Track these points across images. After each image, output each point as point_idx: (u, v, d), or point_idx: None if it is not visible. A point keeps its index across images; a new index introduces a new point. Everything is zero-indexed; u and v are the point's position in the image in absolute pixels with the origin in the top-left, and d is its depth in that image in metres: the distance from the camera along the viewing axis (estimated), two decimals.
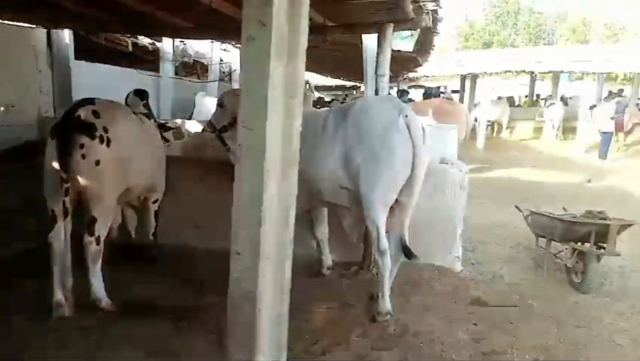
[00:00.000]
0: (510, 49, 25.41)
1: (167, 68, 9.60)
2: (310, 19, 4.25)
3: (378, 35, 4.34)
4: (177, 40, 11.61)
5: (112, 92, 6.57)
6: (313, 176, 3.82)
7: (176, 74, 11.25)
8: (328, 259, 4.57)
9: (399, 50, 6.67)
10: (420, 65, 12.62)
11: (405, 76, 16.82)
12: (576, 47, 22.62)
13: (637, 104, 16.25)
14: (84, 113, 3.36)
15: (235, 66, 13.70)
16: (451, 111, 7.55)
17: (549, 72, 18.28)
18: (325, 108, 4.27)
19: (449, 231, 4.63)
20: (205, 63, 12.68)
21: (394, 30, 4.34)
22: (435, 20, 6.29)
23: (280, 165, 2.41)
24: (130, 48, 8.47)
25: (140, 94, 4.58)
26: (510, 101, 19.80)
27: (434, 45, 9.23)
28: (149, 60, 9.69)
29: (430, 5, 4.01)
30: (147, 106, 4.60)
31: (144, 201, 4.59)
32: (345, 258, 4.78)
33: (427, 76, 20.10)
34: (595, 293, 4.41)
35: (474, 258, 5.19)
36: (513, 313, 3.91)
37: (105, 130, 3.40)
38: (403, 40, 6.26)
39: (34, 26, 5.76)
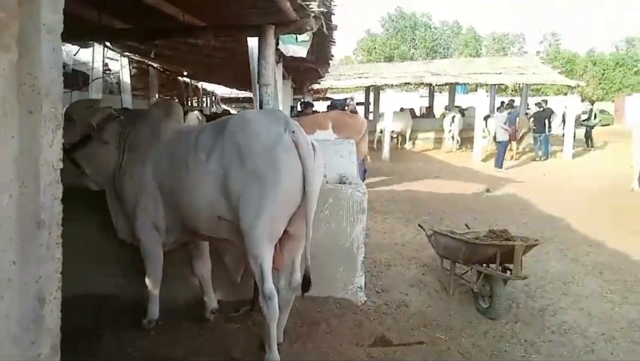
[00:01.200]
0: (410, 62, 26.23)
1: None
2: (171, 17, 3.60)
3: (259, 39, 3.75)
4: None
5: None
6: (185, 205, 3.19)
7: None
8: (212, 300, 3.87)
9: (292, 57, 6.15)
10: (322, 76, 12.39)
11: (309, 88, 16.54)
12: (468, 60, 23.89)
13: (526, 114, 17.34)
14: None
15: (125, 77, 12.52)
16: (351, 123, 7.17)
17: (445, 84, 18.95)
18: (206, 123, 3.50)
19: (349, 260, 4.13)
20: (87, 72, 11.35)
21: (277, 34, 3.77)
22: (329, 28, 5.91)
23: None
24: None
25: None
26: (412, 113, 20.29)
27: (332, 55, 8.94)
28: None
29: (314, 6, 3.49)
30: None
31: None
32: (233, 297, 4.10)
33: (332, 88, 20.08)
34: (504, 319, 4.11)
35: (379, 284, 4.74)
36: (419, 353, 3.48)
37: None
38: (299, 46, 5.73)
39: None
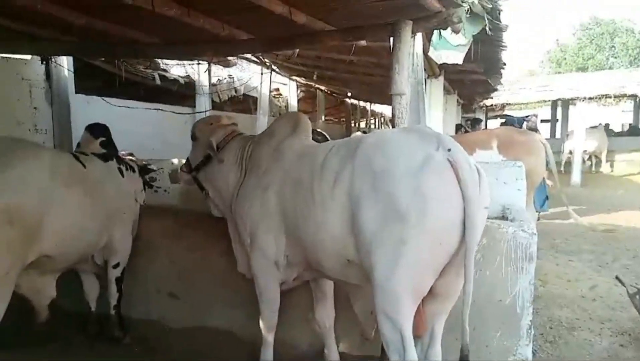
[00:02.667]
0: (607, 71, 22.52)
1: (203, 103, 8.90)
2: (292, 22, 3.13)
3: (392, 40, 3.06)
4: (223, 73, 11.05)
5: (121, 130, 5.91)
6: (309, 242, 2.59)
7: (220, 109, 10.59)
8: (333, 354, 3.26)
9: (448, 65, 5.31)
10: (494, 89, 11.07)
11: (481, 104, 15.12)
12: None
13: None
14: None
15: (293, 100, 12.97)
16: (523, 142, 5.89)
17: None
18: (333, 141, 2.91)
19: (509, 322, 3.11)
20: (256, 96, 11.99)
21: (415, 31, 3.05)
22: (496, 29, 4.94)
23: None
24: (158, 81, 7.85)
25: (95, 130, 3.67)
26: (607, 130, 17.18)
27: (503, 63, 7.75)
28: (186, 95, 9.06)
29: None
30: (106, 144, 3.67)
31: (103, 266, 3.61)
32: (359, 351, 3.43)
33: (509, 104, 18.16)
34: None
35: (555, 354, 3.57)
36: None
37: None
38: (454, 51, 4.86)
39: (27, 58, 5.20)
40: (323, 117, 15.63)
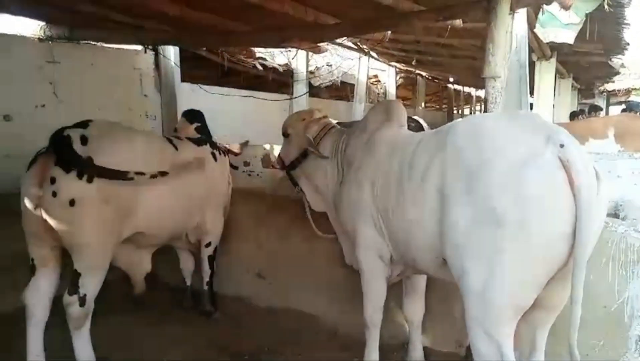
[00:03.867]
0: None
1: (300, 90, 9.04)
2: (377, 5, 3.00)
3: (488, 17, 2.82)
4: (322, 61, 11.14)
5: (222, 117, 6.21)
6: (402, 239, 2.46)
7: (317, 97, 10.69)
8: (417, 350, 3.12)
9: (552, 43, 4.83)
10: (616, 72, 9.95)
11: (602, 89, 13.67)
12: None
13: None
14: (66, 139, 2.67)
15: (391, 87, 12.75)
16: None
17: None
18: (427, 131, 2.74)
19: (615, 331, 2.77)
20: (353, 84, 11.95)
21: (515, 6, 2.78)
22: (618, 5, 4.41)
23: None
24: (260, 69, 8.10)
25: (190, 116, 3.87)
26: None
27: (627, 43, 6.90)
28: (285, 83, 9.27)
29: None
30: (201, 129, 3.87)
31: (196, 244, 3.84)
32: (442, 346, 3.29)
33: (636, 89, 16.22)
34: None
35: None
36: None
37: (88, 162, 2.65)
38: (565, 29, 4.39)
39: (139, 48, 5.63)
40: (423, 104, 15.17)
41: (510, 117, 2.15)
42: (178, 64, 6.10)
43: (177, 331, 3.57)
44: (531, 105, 6.66)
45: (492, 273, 1.88)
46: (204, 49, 6.67)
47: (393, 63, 11.80)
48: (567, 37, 4.32)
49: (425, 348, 3.19)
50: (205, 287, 3.88)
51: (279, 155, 3.59)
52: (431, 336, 3.33)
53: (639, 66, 16.20)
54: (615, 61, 8.05)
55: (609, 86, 13.52)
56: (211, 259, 3.86)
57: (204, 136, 3.83)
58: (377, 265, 2.79)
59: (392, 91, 12.70)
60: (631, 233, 2.74)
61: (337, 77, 11.57)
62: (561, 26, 4.25)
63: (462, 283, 2.00)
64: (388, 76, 12.83)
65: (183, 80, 6.30)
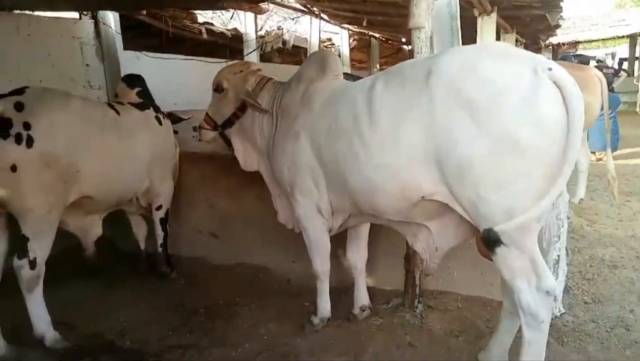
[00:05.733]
0: None
1: (251, 55, 8.98)
2: None
3: None
4: (272, 25, 11.03)
5: (168, 85, 6.16)
6: (362, 186, 2.46)
7: (269, 62, 10.62)
8: (363, 295, 3.27)
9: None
10: (556, 25, 10.27)
11: (547, 43, 14.08)
12: None
13: None
14: (1, 107, 2.68)
15: (345, 49, 12.75)
16: (580, 78, 5.45)
17: None
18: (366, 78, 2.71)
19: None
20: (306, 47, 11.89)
21: None
22: None
23: None
24: (205, 35, 7.99)
25: (130, 80, 3.87)
26: None
27: None
28: (239, 49, 9.17)
29: None
30: (142, 94, 3.87)
31: (147, 208, 3.91)
32: (387, 285, 3.53)
33: (580, 42, 16.82)
34: None
35: (592, 292, 3.48)
36: None
37: (27, 126, 2.68)
38: None
39: (77, 16, 5.48)
40: (378, 66, 15.23)
41: (493, 50, 2.18)
42: (119, 31, 5.96)
43: (133, 294, 3.67)
44: None
45: (521, 196, 2.01)
46: (144, 14, 6.53)
47: (345, 25, 11.78)
48: None
49: (370, 288, 3.40)
50: (160, 249, 3.97)
51: (207, 115, 3.39)
52: (375, 276, 3.56)
53: (585, 20, 16.77)
54: (552, 15, 8.31)
55: (554, 40, 13.97)
56: (163, 221, 3.94)
57: (146, 101, 3.85)
58: (317, 218, 2.86)
59: (346, 53, 12.71)
60: None
61: (289, 42, 11.52)
62: None
63: (481, 209, 2.09)
64: (341, 39, 12.83)
65: (126, 48, 6.16)
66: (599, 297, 3.39)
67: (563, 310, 3.15)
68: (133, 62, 6.16)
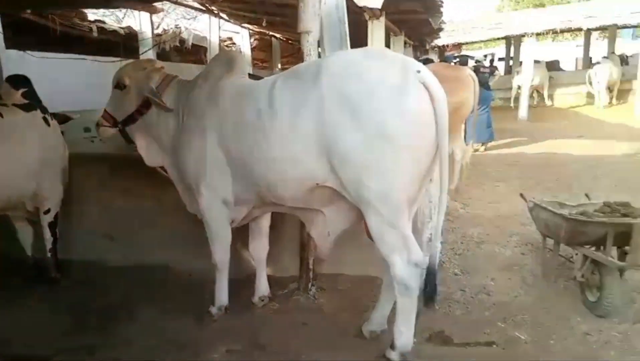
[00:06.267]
0: (556, 7, 22.68)
1: (147, 54, 8.78)
2: None
3: None
4: (170, 23, 10.81)
5: (56, 85, 5.88)
6: (265, 175, 2.70)
7: (167, 59, 10.42)
8: (263, 286, 3.46)
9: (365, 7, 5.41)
10: (439, 28, 11.19)
11: (433, 44, 15.20)
12: None
13: None
14: None
15: (246, 49, 12.78)
16: (455, 77, 6.14)
17: (599, 28, 15.90)
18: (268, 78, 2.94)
19: (415, 236, 3.45)
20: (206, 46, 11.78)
21: None
22: None
23: None
24: (95, 33, 7.68)
25: (14, 81, 3.73)
26: (554, 65, 17.62)
27: (441, 2, 7.88)
28: (131, 47, 8.91)
29: None
30: (28, 94, 3.74)
31: (35, 212, 3.78)
32: (283, 272, 3.76)
33: (462, 43, 18.32)
34: (618, 318, 3.10)
35: (461, 265, 3.98)
36: (485, 356, 2.77)
37: None
38: None
39: None
40: (279, 65, 15.46)
41: (371, 54, 2.59)
42: (0, 30, 5.61)
43: (21, 301, 3.54)
44: None
45: (393, 181, 2.35)
46: (29, 12, 6.18)
47: (246, 25, 11.84)
48: (376, 2, 4.89)
49: (270, 277, 3.61)
50: (49, 254, 3.85)
51: (105, 111, 3.37)
52: (275, 266, 3.77)
53: (466, 23, 18.27)
54: (435, 19, 9.08)
55: (440, 41, 15.13)
56: (52, 225, 3.82)
57: (32, 101, 3.73)
58: (220, 210, 3.04)
59: (247, 52, 12.75)
60: None
61: (188, 40, 11.35)
62: None
63: (362, 194, 2.42)
64: (242, 38, 12.86)
65: (9, 47, 5.80)
66: (467, 269, 3.90)
67: (436, 283, 3.58)
68: (17, 61, 5.82)
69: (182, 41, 10.92)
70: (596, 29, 16.61)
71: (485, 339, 2.92)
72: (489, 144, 9.63)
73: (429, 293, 2.92)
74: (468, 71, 6.44)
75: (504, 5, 42.85)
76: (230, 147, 2.85)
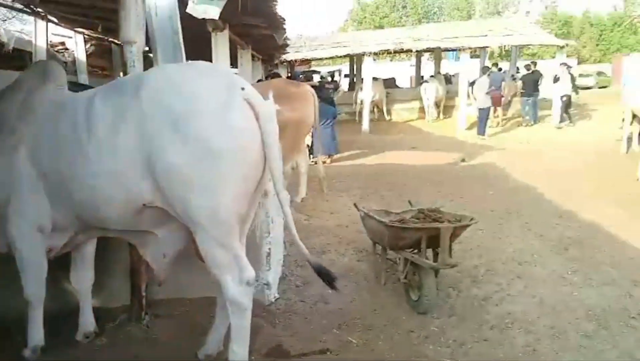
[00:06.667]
0: (393, 28, 25.09)
1: None
2: None
3: None
4: None
5: None
6: (86, 196, 2.47)
7: None
8: (88, 322, 3.12)
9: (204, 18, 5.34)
10: (284, 44, 11.53)
11: (282, 59, 15.60)
12: (455, 24, 22.85)
13: (512, 76, 16.45)
14: None
15: (81, 55, 11.71)
16: (296, 93, 6.38)
17: (427, 50, 17.95)
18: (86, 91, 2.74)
19: (251, 252, 3.44)
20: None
21: None
22: None
23: None
24: None
25: None
26: (390, 82, 19.42)
27: (283, 19, 8.13)
28: None
29: None
30: None
31: None
32: (114, 302, 3.47)
33: (309, 59, 19.18)
34: (437, 313, 3.47)
35: (303, 276, 4.09)
36: None
37: None
38: (211, 5, 4.92)
39: None
40: (122, 74, 14.41)
41: (195, 68, 2.49)
42: None
43: None
44: None
45: (221, 198, 2.27)
46: None
47: (79, 29, 10.89)
48: (213, 13, 4.84)
49: (98, 309, 3.29)
50: None
51: None
52: (101, 295, 3.45)
53: (313, 41, 19.14)
54: (278, 35, 9.33)
55: (288, 57, 15.61)
56: None
57: None
58: (34, 237, 2.70)
59: (82, 59, 11.73)
60: None
61: (8, 43, 10.07)
62: (209, 3, 4.74)
63: (189, 213, 2.31)
64: (76, 44, 11.79)
65: None
66: (308, 279, 4.01)
67: (277, 295, 3.63)
68: None
69: (2, 45, 9.65)
70: (424, 51, 18.58)
71: (321, 347, 3.02)
72: (335, 157, 10.16)
73: None
74: (308, 87, 6.72)
75: (348, 25, 46.16)
76: (46, 167, 2.59)
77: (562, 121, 14.18)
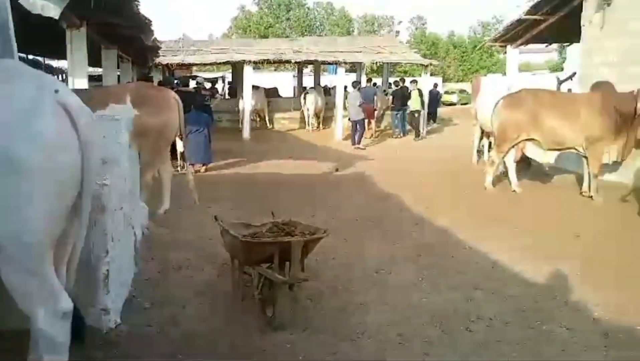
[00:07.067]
0: (275, 39, 25.36)
1: None
2: None
3: None
4: None
5: None
6: None
7: None
8: None
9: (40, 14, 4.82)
10: (157, 47, 10.99)
11: (157, 62, 14.84)
12: (332, 39, 23.76)
13: (384, 91, 17.47)
14: None
15: None
16: (157, 97, 5.99)
17: (306, 62, 18.39)
18: None
19: (87, 274, 3.08)
20: None
21: None
22: None
23: None
24: None
25: None
26: (273, 92, 19.57)
27: (148, 20, 7.69)
28: None
29: None
30: None
31: None
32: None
33: (189, 65, 18.57)
34: (292, 327, 3.38)
35: (155, 296, 3.78)
36: None
37: None
38: (51, 3, 4.45)
39: None
40: None
41: (8, 65, 2.26)
42: None
43: None
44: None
45: (26, 217, 1.98)
46: None
47: None
48: (52, 11, 4.38)
49: None
50: None
51: None
52: None
53: (193, 45, 18.52)
54: (145, 36, 8.81)
55: (163, 60, 14.91)
56: None
57: None
58: None
59: None
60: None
61: None
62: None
63: None
64: None
65: None
66: (159, 300, 3.72)
67: (119, 321, 3.28)
68: None
69: None
70: (304, 63, 18.97)
71: None
72: (210, 165, 9.83)
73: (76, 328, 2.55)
74: (170, 92, 6.39)
75: (232, 33, 45.66)
76: None
77: (417, 135, 15.38)
